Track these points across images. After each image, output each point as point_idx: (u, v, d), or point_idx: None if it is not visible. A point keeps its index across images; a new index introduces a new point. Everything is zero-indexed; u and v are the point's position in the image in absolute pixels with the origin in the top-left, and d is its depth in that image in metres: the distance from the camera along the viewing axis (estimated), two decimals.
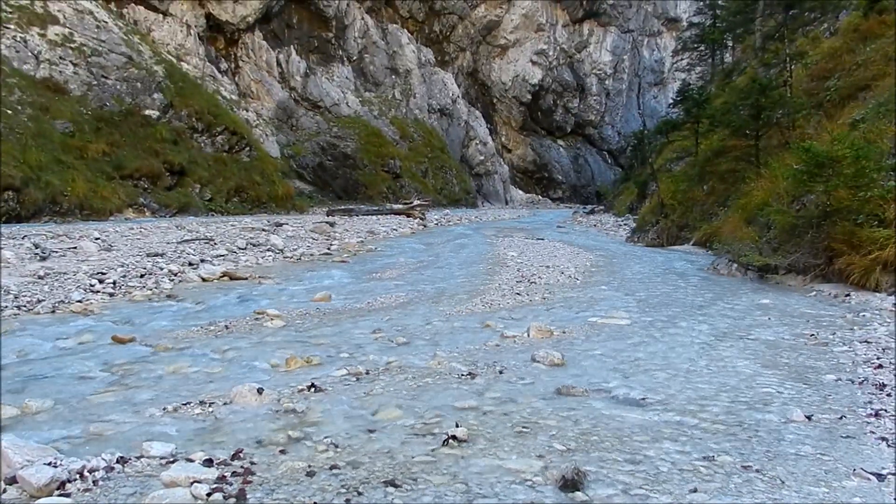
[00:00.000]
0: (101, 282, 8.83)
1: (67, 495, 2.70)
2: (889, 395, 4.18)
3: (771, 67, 20.05)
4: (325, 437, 3.40)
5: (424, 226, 26.86)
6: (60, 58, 24.80)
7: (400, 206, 33.17)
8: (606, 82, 73.58)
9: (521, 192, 66.33)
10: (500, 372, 4.81)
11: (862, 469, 3.00)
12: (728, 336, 6.18)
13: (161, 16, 35.12)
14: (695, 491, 2.80)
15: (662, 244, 17.24)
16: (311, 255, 14.30)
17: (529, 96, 68.45)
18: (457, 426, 3.51)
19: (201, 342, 5.86)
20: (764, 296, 8.64)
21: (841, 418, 3.77)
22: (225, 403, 3.99)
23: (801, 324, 6.72)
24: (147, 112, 26.30)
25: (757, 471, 3.01)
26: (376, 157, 42.81)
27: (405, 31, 55.36)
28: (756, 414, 3.86)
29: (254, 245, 14.58)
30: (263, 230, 17.88)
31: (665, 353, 5.47)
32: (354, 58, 49.59)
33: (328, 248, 15.72)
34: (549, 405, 4.02)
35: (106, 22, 28.18)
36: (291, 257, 13.58)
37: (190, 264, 11.01)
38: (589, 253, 15.17)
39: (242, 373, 4.79)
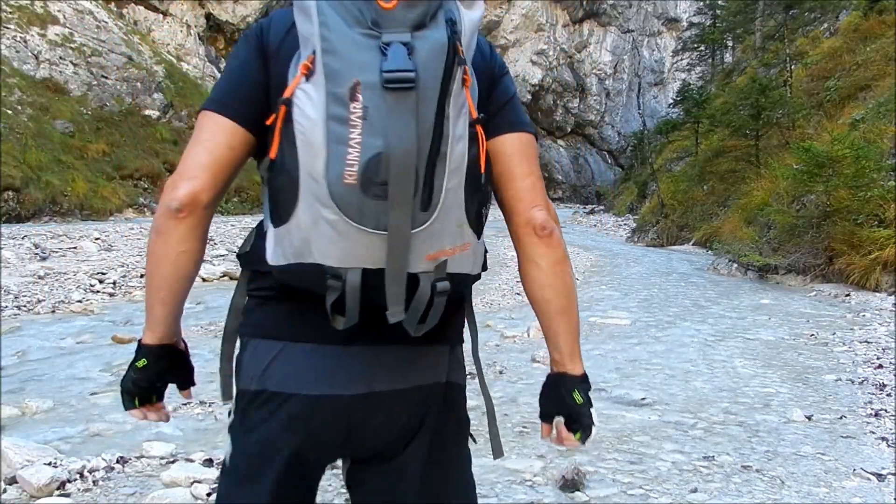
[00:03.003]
0: (101, 282, 8.83)
1: (67, 495, 2.69)
2: (889, 395, 4.18)
3: (771, 67, 20.06)
4: None
5: None
6: (60, 58, 24.81)
7: None
8: (606, 82, 73.60)
9: None
10: (501, 372, 4.81)
11: (862, 469, 3.00)
12: (728, 336, 6.18)
13: (161, 16, 35.12)
14: (695, 491, 2.80)
15: (662, 244, 17.24)
16: None
17: (529, 96, 68.45)
18: None
19: (201, 342, 5.86)
20: (764, 296, 8.65)
21: (841, 418, 3.77)
22: (225, 403, 3.98)
23: (801, 324, 6.72)
24: (147, 112, 26.30)
25: (757, 471, 3.01)
26: None
27: None
28: (756, 414, 3.86)
29: None
30: None
31: (665, 353, 5.47)
32: None
33: None
34: None
35: (106, 22, 28.19)
36: None
37: None
38: (589, 253, 15.17)
39: None
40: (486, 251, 1.05)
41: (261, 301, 1.05)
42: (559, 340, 1.08)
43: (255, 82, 0.99)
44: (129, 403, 1.09)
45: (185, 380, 1.16)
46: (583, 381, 1.10)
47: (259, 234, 1.04)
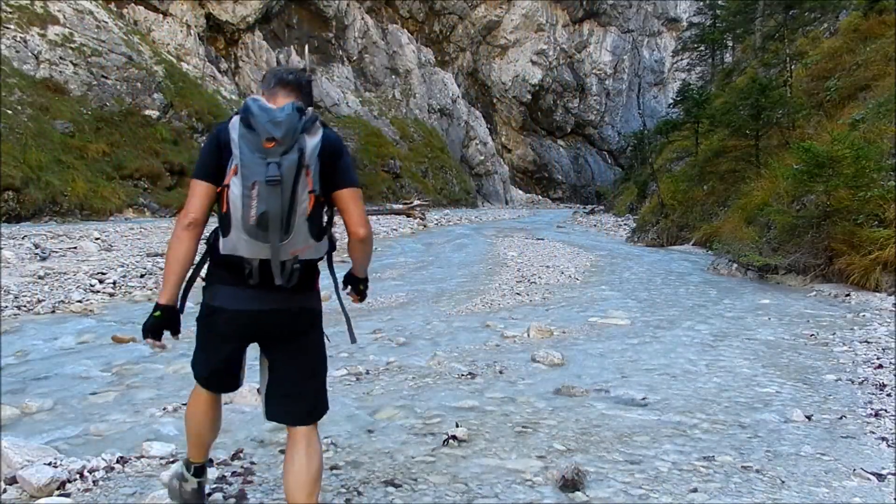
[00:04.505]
0: (101, 282, 8.83)
1: (67, 495, 2.69)
2: (889, 395, 4.18)
3: (771, 67, 20.06)
4: (325, 437, 3.39)
5: (424, 226, 26.86)
6: (60, 58, 24.81)
7: (400, 207, 33.15)
8: (606, 82, 73.56)
9: (521, 192, 66.33)
10: (500, 372, 4.81)
11: (862, 469, 3.00)
12: (728, 336, 6.18)
13: (161, 16, 35.11)
14: (695, 491, 2.80)
15: (662, 244, 17.24)
16: None
17: (529, 96, 68.43)
18: (457, 426, 3.52)
19: None
20: (764, 296, 8.64)
21: (841, 418, 3.77)
22: (225, 403, 3.98)
23: (801, 324, 6.71)
24: (147, 112, 26.30)
25: (757, 471, 3.01)
26: (376, 158, 42.80)
27: (405, 31, 55.34)
28: (756, 414, 3.86)
29: None
30: None
31: (665, 353, 5.47)
32: (354, 58, 49.59)
33: None
34: (549, 405, 4.01)
35: (106, 22, 28.19)
36: None
37: None
38: (589, 253, 15.17)
39: None
40: (332, 244, 2.21)
41: (215, 266, 2.20)
42: (359, 268, 2.34)
43: (216, 162, 2.08)
44: (146, 335, 2.17)
45: (176, 329, 2.21)
46: (365, 279, 2.38)
47: (216, 235, 2.13)
